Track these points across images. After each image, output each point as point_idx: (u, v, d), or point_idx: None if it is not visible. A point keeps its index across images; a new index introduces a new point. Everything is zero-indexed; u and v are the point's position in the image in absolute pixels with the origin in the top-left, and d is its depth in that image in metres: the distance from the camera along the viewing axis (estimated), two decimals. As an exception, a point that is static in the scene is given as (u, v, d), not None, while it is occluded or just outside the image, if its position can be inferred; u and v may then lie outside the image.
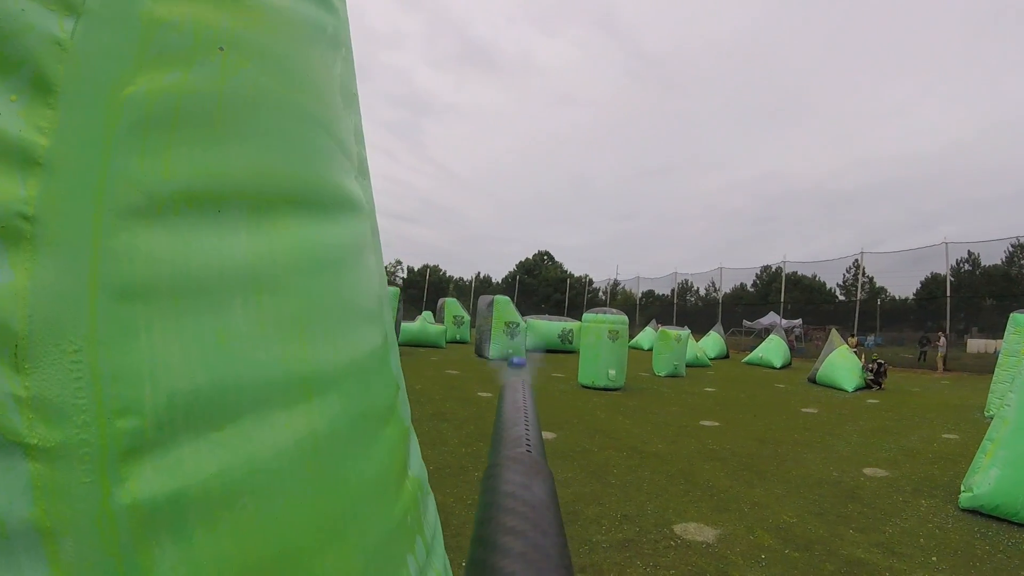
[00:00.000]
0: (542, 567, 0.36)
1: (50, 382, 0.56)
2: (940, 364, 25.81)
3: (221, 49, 0.72)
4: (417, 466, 1.08)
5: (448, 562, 1.17)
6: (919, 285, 38.46)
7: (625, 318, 12.80)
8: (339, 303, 0.86)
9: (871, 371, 15.73)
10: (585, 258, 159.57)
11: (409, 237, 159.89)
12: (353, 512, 0.79)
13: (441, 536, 1.15)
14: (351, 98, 1.03)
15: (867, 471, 6.34)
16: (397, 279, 73.82)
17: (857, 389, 15.13)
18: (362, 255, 0.97)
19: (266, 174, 0.76)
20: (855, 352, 17.26)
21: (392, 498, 0.90)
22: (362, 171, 1.05)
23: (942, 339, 27.30)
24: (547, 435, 7.32)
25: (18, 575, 0.55)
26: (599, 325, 12.53)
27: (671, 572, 3.57)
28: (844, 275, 44.89)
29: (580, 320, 14.12)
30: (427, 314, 27.49)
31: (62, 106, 0.58)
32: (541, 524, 0.42)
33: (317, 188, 0.85)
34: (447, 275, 79.10)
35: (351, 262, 0.91)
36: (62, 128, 0.58)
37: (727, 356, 28.11)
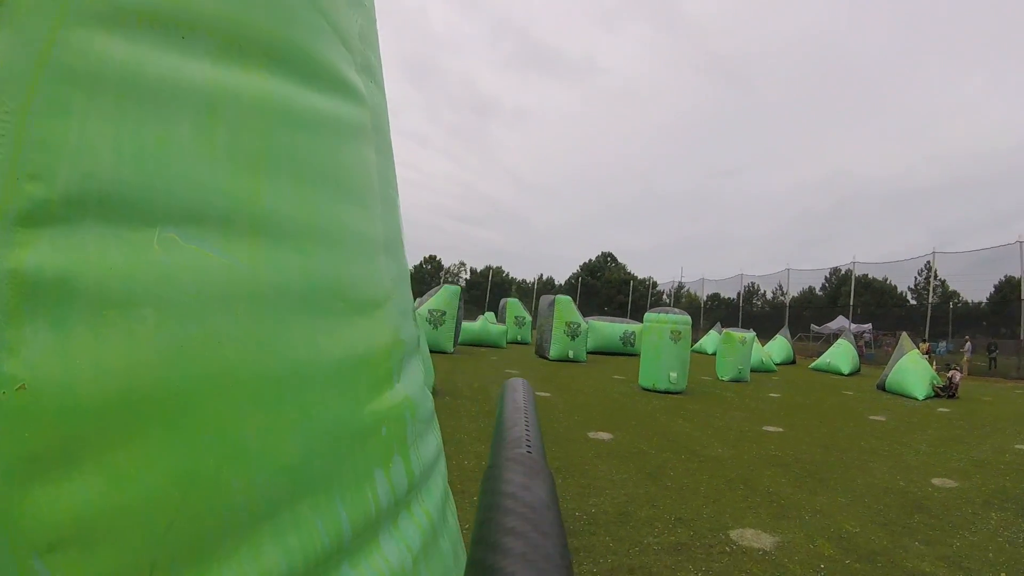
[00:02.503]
0: (542, 567, 0.37)
1: None
2: (965, 370, 24.61)
3: None
4: (415, 388, 1.07)
5: (451, 519, 1.16)
6: (992, 289, 36.47)
7: (688, 318, 12.63)
8: (311, 166, 0.87)
9: (947, 380, 15.12)
10: (650, 260, 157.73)
11: (474, 239, 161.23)
12: (292, 378, 0.76)
13: (441, 487, 1.14)
14: (356, 3, 1.07)
15: (935, 481, 6.13)
16: (460, 280, 74.49)
17: (928, 397, 14.60)
18: (354, 141, 0.99)
19: (239, 19, 0.78)
20: (926, 358, 16.54)
21: (360, 394, 0.88)
22: (367, 71, 1.08)
23: (968, 345, 26.88)
24: (603, 436, 7.32)
25: None
26: (661, 325, 12.38)
27: (725, 578, 3.52)
28: (915, 278, 43.16)
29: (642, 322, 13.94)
30: (489, 314, 27.67)
31: None
32: (541, 525, 0.42)
33: (299, 55, 0.87)
34: (510, 276, 79.42)
35: (334, 138, 0.93)
36: None
37: (794, 361, 27.38)
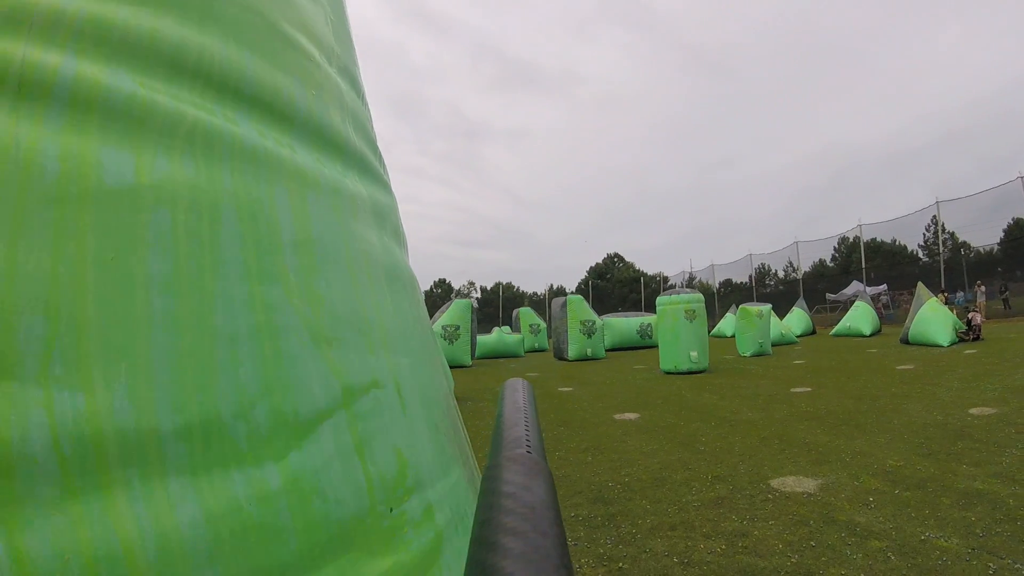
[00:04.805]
0: (542, 567, 0.37)
1: None
2: (983, 313, 24.03)
3: None
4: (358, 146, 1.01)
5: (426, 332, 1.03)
6: (1002, 234, 36.02)
7: (700, 296, 12.52)
8: None
9: (966, 322, 15.02)
10: (658, 258, 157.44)
11: (482, 261, 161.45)
12: None
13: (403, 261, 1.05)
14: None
15: (974, 411, 5.99)
16: (471, 299, 74.59)
17: (952, 343, 14.40)
18: None
19: None
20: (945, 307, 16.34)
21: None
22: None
23: (982, 288, 26.63)
24: (629, 416, 7.20)
25: None
26: (674, 307, 12.28)
27: (770, 523, 3.41)
28: (924, 234, 42.65)
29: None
30: (504, 327, 27.58)
31: None
32: (541, 524, 0.42)
33: None
34: (520, 291, 79.30)
35: None
36: None
37: (814, 332, 27.16)
